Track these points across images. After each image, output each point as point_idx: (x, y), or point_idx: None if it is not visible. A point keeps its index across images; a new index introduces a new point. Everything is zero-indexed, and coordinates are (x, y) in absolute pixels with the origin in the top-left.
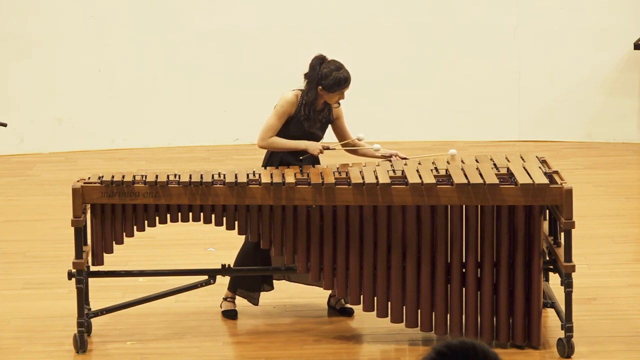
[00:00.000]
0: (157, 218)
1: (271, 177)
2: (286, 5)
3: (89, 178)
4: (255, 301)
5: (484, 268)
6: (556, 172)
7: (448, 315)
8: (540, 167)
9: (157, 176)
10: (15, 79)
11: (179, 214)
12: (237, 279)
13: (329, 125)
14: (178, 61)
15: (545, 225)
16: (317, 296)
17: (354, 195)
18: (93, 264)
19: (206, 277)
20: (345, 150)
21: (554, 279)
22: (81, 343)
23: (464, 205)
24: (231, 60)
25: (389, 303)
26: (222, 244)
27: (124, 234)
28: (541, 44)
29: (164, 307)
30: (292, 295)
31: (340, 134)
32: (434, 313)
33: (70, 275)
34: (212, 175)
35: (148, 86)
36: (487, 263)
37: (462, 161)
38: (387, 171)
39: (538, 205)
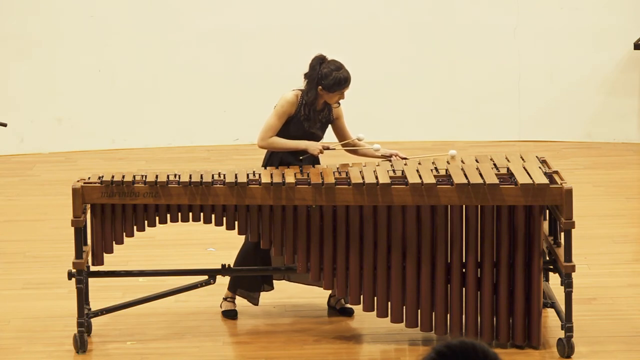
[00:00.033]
0: (157, 218)
1: (271, 177)
2: (286, 5)
3: (89, 178)
4: (255, 301)
5: (484, 268)
6: (556, 172)
7: (448, 315)
8: (540, 167)
9: (157, 176)
10: (15, 79)
11: (179, 214)
12: (237, 279)
13: (329, 125)
14: (178, 61)
15: (545, 225)
16: (317, 296)
17: (354, 195)
18: (93, 264)
19: (206, 277)
20: (345, 150)
21: (554, 279)
22: (81, 343)
23: (464, 205)
24: (231, 60)
25: (389, 303)
26: (222, 244)
27: (124, 234)
28: (541, 44)
29: (164, 307)
30: (292, 295)
31: (340, 134)
32: (434, 313)
33: (70, 275)
34: (212, 175)
35: (148, 86)
36: (487, 263)
37: (462, 161)
38: (387, 171)
39: (538, 205)
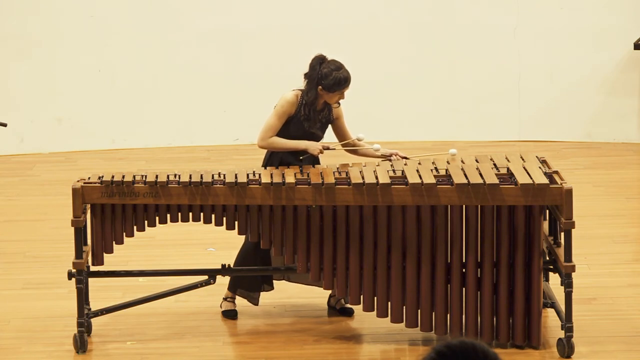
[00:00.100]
0: (157, 218)
1: (271, 177)
2: (286, 5)
3: (89, 178)
4: (255, 301)
5: (484, 268)
6: (556, 172)
7: (448, 315)
8: (540, 167)
9: (157, 176)
10: (15, 79)
11: (179, 214)
12: (237, 279)
13: (329, 125)
14: (178, 61)
15: (545, 225)
16: (317, 296)
17: (354, 195)
18: (93, 264)
19: (206, 277)
20: (345, 150)
21: (554, 279)
22: (81, 343)
23: (464, 205)
24: (231, 60)
25: (389, 303)
26: (222, 244)
27: (124, 234)
28: (541, 44)
29: (164, 307)
30: (292, 295)
31: (340, 134)
32: (434, 313)
33: (70, 275)
34: (212, 175)
35: (148, 86)
36: (487, 263)
37: (462, 161)
38: (387, 171)
39: (538, 205)
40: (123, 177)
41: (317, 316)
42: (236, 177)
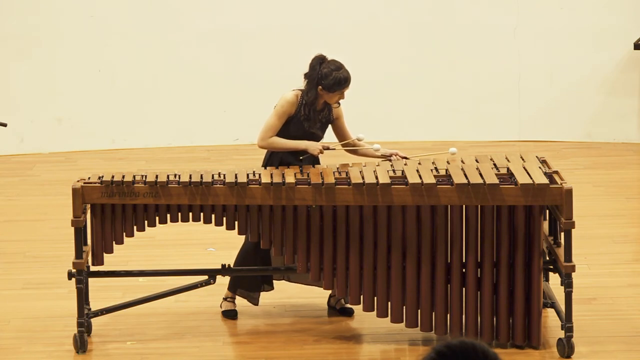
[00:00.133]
0: (157, 218)
1: (271, 177)
2: (286, 5)
3: (89, 178)
4: (255, 301)
5: (484, 268)
6: (556, 172)
7: (448, 315)
8: (540, 167)
9: (157, 176)
10: (15, 79)
11: (179, 214)
12: (237, 279)
13: (329, 125)
14: (178, 61)
15: (545, 225)
16: (317, 296)
17: (354, 195)
18: (93, 264)
19: (206, 277)
20: (345, 150)
21: (554, 279)
22: (81, 343)
23: (464, 205)
24: (231, 60)
25: (389, 303)
26: (222, 244)
27: (124, 234)
28: (541, 44)
29: (164, 307)
30: (292, 295)
31: (340, 134)
32: (434, 313)
33: (70, 275)
34: (212, 175)
35: (148, 86)
36: (487, 263)
37: (462, 161)
38: (387, 171)
39: (538, 205)
40: (123, 177)
41: (317, 316)
42: (236, 177)
